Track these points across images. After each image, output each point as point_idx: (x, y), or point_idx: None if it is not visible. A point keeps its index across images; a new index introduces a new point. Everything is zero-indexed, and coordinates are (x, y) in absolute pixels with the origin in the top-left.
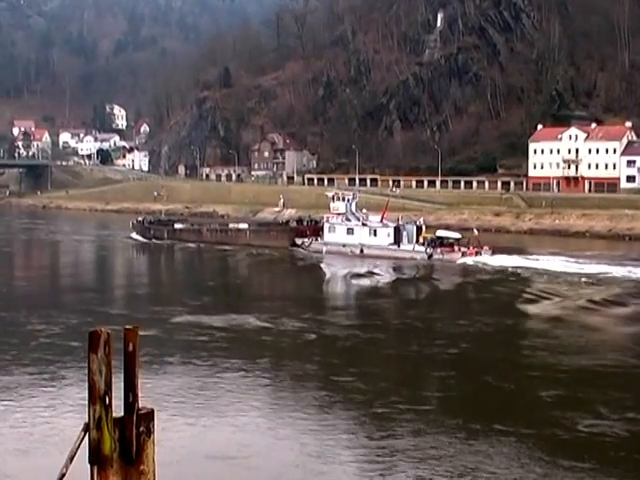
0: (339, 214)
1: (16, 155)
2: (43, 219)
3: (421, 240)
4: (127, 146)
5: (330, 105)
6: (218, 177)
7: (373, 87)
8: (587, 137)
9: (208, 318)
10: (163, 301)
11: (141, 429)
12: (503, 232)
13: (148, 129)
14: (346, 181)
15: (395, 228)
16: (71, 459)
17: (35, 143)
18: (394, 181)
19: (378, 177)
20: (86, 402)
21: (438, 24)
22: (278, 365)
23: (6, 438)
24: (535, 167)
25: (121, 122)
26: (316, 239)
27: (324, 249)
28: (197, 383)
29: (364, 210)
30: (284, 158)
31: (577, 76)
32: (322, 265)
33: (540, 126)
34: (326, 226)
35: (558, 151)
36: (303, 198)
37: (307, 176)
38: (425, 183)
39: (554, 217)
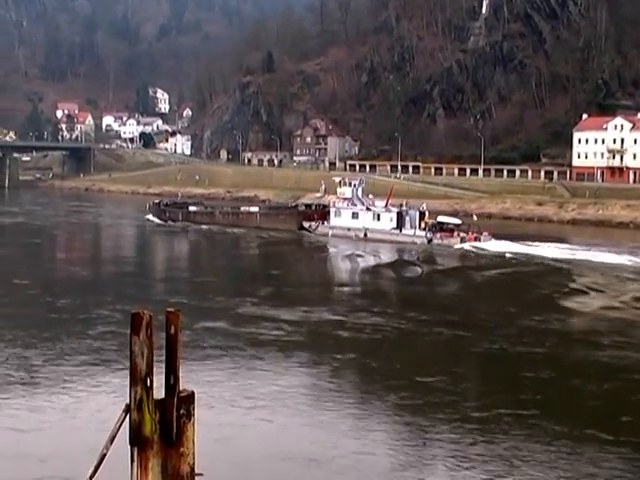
0: (345, 199)
1: (59, 138)
2: (86, 202)
3: (423, 225)
4: (169, 130)
5: (373, 91)
6: (260, 162)
7: (417, 74)
8: (633, 127)
9: (258, 308)
10: (201, 288)
11: (181, 411)
12: (545, 222)
13: (191, 113)
14: (388, 168)
15: (398, 213)
16: (112, 440)
17: (78, 126)
18: (361, 166)
19: (420, 164)
20: (127, 384)
21: (483, 11)
22: (354, 361)
23: (48, 418)
24: (579, 157)
25: (164, 106)
26: (323, 223)
27: (330, 232)
28: (271, 379)
29: (370, 195)
30: (326, 144)
31: (624, 65)
32: (331, 248)
33: (585, 115)
34: (332, 210)
35: (603, 141)
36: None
37: (349, 162)
38: (467, 171)
39: (597, 207)
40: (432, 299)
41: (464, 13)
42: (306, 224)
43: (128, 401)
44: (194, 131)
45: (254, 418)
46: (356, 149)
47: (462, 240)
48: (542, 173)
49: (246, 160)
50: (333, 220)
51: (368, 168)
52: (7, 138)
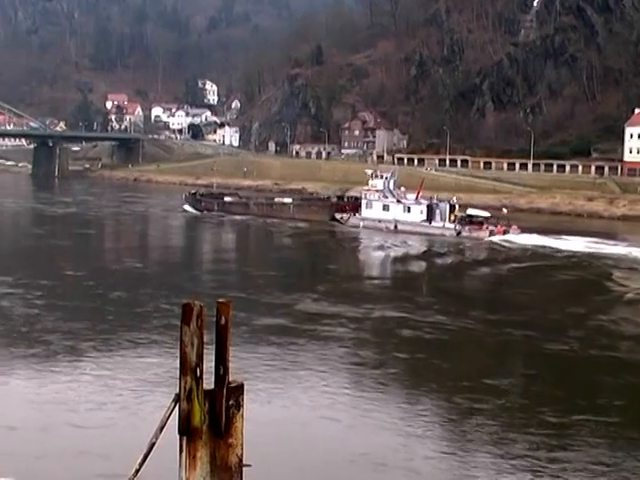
0: (377, 191)
1: (109, 128)
2: (135, 192)
3: (452, 218)
4: (218, 121)
5: (422, 84)
6: (308, 154)
7: (466, 67)
8: None
9: (315, 303)
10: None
11: (231, 402)
12: (595, 218)
13: (239, 105)
14: (436, 161)
15: (428, 206)
16: (161, 429)
17: (127, 117)
18: (409, 159)
19: (469, 158)
20: (177, 373)
21: (534, 4)
22: (419, 361)
23: (99, 408)
24: (631, 152)
25: (212, 97)
26: (354, 214)
27: (361, 224)
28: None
29: (402, 188)
30: (374, 137)
31: None
32: (365, 239)
33: (638, 110)
34: (364, 202)
35: None
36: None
37: (397, 155)
38: (517, 166)
39: None
40: (490, 296)
41: (515, 6)
42: (338, 215)
43: (178, 391)
44: (242, 123)
45: (317, 416)
46: (404, 142)
47: (491, 233)
48: (593, 168)
49: (294, 152)
50: (364, 212)
51: (416, 161)
52: (57, 128)
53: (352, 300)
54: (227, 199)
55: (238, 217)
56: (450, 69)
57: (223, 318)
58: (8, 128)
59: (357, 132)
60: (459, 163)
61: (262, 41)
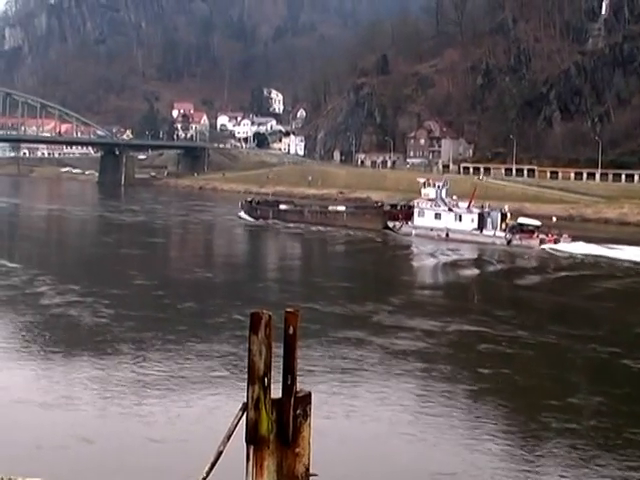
0: (429, 199)
1: (175, 137)
2: (201, 200)
3: (503, 226)
4: (283, 130)
5: (488, 94)
6: (373, 164)
7: (533, 76)
8: None
9: (387, 315)
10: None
11: (298, 411)
12: None
13: (304, 114)
14: (502, 171)
15: (479, 214)
16: (228, 437)
17: (193, 125)
18: (474, 169)
19: (536, 168)
20: (245, 383)
21: (603, 12)
22: (499, 377)
23: (164, 415)
24: None
25: (278, 106)
26: (407, 223)
27: (413, 232)
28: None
29: (454, 197)
30: (440, 146)
31: None
32: (420, 247)
33: None
34: (416, 211)
35: None
36: (457, 187)
37: (463, 165)
38: (584, 175)
39: None
40: (563, 307)
41: (583, 14)
42: (390, 224)
43: (245, 400)
44: (308, 132)
45: (396, 432)
46: (470, 152)
47: (541, 241)
48: None
49: (359, 161)
50: (417, 220)
51: (482, 171)
52: (124, 136)
53: (425, 312)
54: (282, 207)
55: (292, 225)
56: (517, 78)
57: (291, 327)
58: (76, 136)
59: (422, 141)
60: (525, 172)
61: (328, 50)
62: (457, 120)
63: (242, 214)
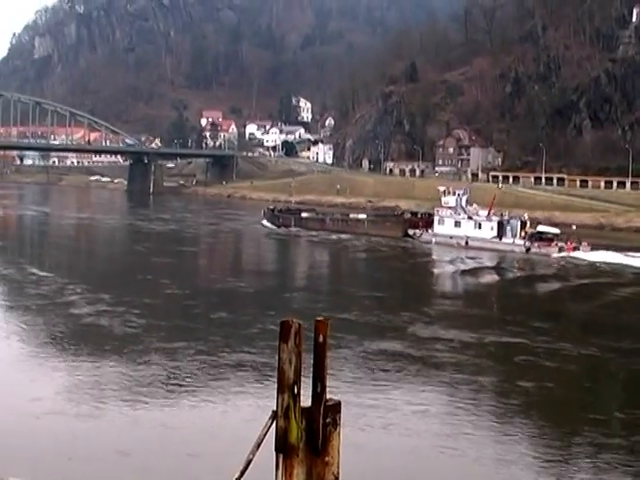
0: (449, 208)
1: (203, 145)
2: (230, 209)
3: (523, 234)
4: (312, 139)
5: (517, 102)
6: (402, 172)
7: (563, 84)
8: None
9: (421, 326)
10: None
11: (328, 420)
12: None
13: (333, 122)
14: (532, 180)
15: (499, 222)
16: (258, 445)
17: (222, 134)
18: (494, 177)
19: (565, 176)
20: (274, 391)
21: (633, 19)
22: (543, 390)
23: (198, 427)
24: None
25: (306, 115)
26: (427, 230)
27: (433, 240)
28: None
29: (475, 205)
30: (469, 155)
31: None
32: (444, 255)
33: None
34: (436, 219)
35: None
36: (487, 195)
37: (492, 173)
38: (614, 184)
39: None
40: (597, 318)
41: (613, 22)
42: (411, 231)
43: (275, 408)
44: (336, 140)
45: (437, 445)
46: (499, 160)
47: (560, 249)
48: None
49: (387, 170)
50: (437, 228)
51: (511, 179)
52: (153, 145)
53: (459, 322)
54: (304, 215)
55: (314, 232)
56: (546, 86)
57: (321, 336)
58: (105, 145)
59: (451, 150)
60: (555, 181)
61: (356, 58)
62: (486, 128)
63: (264, 222)
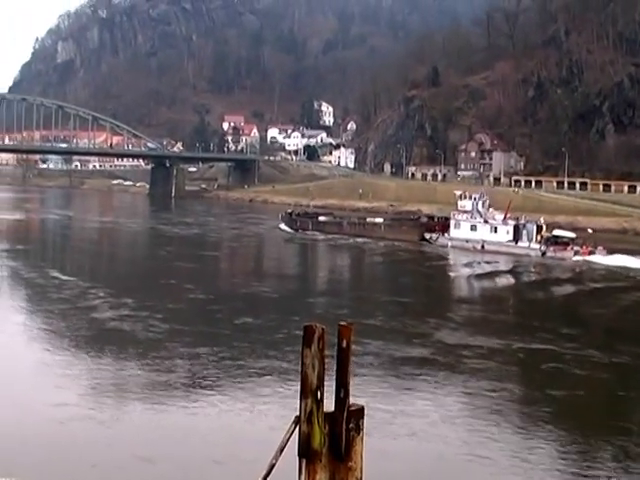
0: (466, 212)
1: (225, 149)
2: (252, 213)
3: (539, 238)
4: (333, 143)
5: (540, 106)
6: (424, 176)
7: (585, 88)
8: None
9: (448, 333)
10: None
11: (351, 425)
12: None
13: (355, 126)
14: (554, 184)
15: (514, 226)
16: (281, 450)
17: (244, 138)
18: (516, 182)
19: (588, 181)
20: (297, 396)
21: None
22: (573, 399)
23: (219, 429)
24: None
25: (328, 119)
26: (443, 234)
27: (449, 244)
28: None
29: (491, 209)
30: (491, 159)
31: None
32: (462, 259)
33: None
34: (452, 222)
35: None
36: (507, 199)
37: (514, 178)
38: (638, 188)
39: None
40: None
41: (637, 26)
42: (427, 235)
43: (298, 413)
44: (358, 144)
45: (466, 453)
46: (521, 164)
47: (576, 253)
48: None
49: (409, 174)
50: (453, 232)
51: (534, 184)
52: (175, 149)
53: (485, 328)
54: (321, 218)
55: (331, 236)
56: (569, 90)
57: (344, 341)
58: (127, 149)
59: (473, 154)
60: (578, 186)
61: (378, 62)
62: (508, 133)
63: (282, 226)
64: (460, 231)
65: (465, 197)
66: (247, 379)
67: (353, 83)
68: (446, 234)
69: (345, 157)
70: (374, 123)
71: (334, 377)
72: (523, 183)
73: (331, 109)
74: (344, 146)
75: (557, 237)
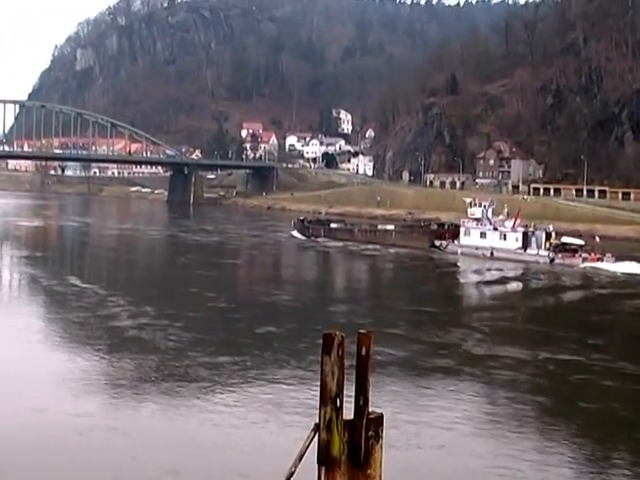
0: (475, 219)
1: (244, 157)
2: (271, 220)
3: (547, 245)
4: (352, 150)
5: (559, 114)
6: (442, 184)
7: (604, 96)
8: None
9: (474, 343)
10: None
11: (370, 433)
12: None
13: (373, 134)
14: (573, 192)
15: (523, 233)
16: (300, 458)
17: (262, 145)
18: (545, 189)
19: (607, 189)
20: (317, 403)
21: None
22: (601, 412)
23: (250, 446)
24: None
25: (346, 126)
26: (453, 241)
27: (459, 251)
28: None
29: (500, 216)
30: (509, 167)
31: None
32: (473, 266)
33: None
34: (462, 230)
35: None
36: (528, 208)
37: (533, 186)
38: None
39: None
40: None
41: None
42: (437, 242)
43: (317, 420)
44: (376, 152)
45: (495, 466)
46: (540, 172)
47: (584, 260)
48: None
49: (428, 182)
50: (462, 239)
51: (552, 192)
52: (193, 156)
53: (510, 339)
54: (333, 225)
55: (342, 243)
56: (588, 98)
57: (364, 349)
58: (145, 156)
59: (492, 162)
60: (596, 194)
61: (396, 70)
62: (527, 140)
63: (294, 233)
64: (470, 238)
65: (475, 204)
66: (271, 389)
67: (371, 91)
68: (456, 241)
69: (363, 165)
70: (392, 131)
71: (354, 385)
72: (542, 191)
73: (349, 117)
74: (362, 154)
75: (565, 244)
